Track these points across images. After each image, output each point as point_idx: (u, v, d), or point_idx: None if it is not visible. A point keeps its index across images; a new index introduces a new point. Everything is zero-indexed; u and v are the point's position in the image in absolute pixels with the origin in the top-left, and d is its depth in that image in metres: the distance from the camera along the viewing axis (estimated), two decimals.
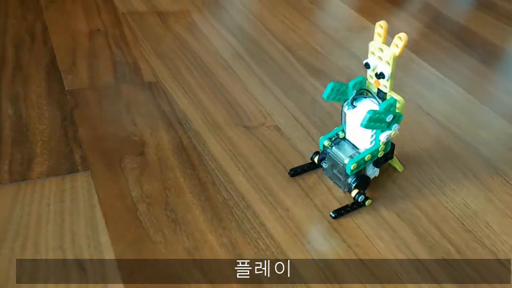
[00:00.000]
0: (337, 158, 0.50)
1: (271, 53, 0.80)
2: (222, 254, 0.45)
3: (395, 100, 0.48)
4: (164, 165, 0.54)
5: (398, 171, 0.57)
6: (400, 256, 0.47)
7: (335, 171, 0.51)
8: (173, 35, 0.82)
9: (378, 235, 0.49)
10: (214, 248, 0.45)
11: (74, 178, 0.51)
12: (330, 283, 0.43)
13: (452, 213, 0.53)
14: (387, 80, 0.47)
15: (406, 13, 1.01)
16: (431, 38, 0.92)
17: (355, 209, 0.51)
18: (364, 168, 0.51)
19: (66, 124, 0.59)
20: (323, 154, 0.52)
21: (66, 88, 0.65)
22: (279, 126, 0.63)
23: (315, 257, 0.46)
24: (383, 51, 0.46)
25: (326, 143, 0.51)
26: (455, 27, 0.99)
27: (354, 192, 0.50)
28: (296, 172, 0.55)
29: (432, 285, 0.44)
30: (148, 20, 0.85)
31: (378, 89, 0.49)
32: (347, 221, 0.50)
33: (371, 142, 0.50)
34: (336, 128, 0.53)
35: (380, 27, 0.46)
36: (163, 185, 0.52)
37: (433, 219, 0.51)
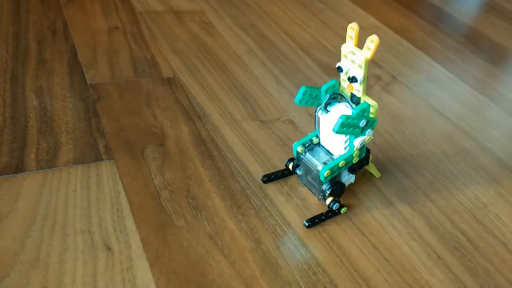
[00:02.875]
0: (311, 164, 0.49)
1: (284, 50, 0.82)
2: (242, 238, 0.47)
3: (369, 105, 0.46)
4: (184, 155, 0.56)
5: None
6: (412, 243, 0.49)
7: (309, 178, 0.50)
8: (189, 33, 0.84)
9: (391, 224, 0.50)
10: (234, 233, 0.47)
11: (99, 166, 0.53)
12: (346, 267, 0.45)
13: (463, 205, 0.54)
14: (360, 84, 0.46)
15: (414, 14, 1.02)
16: (440, 38, 0.93)
17: (330, 217, 0.50)
18: (339, 175, 0.50)
19: (90, 116, 0.61)
20: (297, 161, 0.51)
21: (88, 82, 0.67)
22: (293, 120, 0.65)
23: (330, 243, 0.48)
24: (355, 54, 0.44)
25: (299, 149, 0.50)
26: (464, 28, 1.00)
27: (328, 200, 0.49)
28: (269, 179, 0.53)
29: (443, 271, 0.46)
30: (165, 19, 0.88)
31: (352, 93, 0.48)
32: (361, 210, 0.52)
33: (345, 148, 0.48)
34: (310, 133, 0.51)
35: (352, 29, 0.44)
36: (184, 174, 0.54)
37: (445, 210, 0.53)
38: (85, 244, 0.44)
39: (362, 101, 0.47)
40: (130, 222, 0.47)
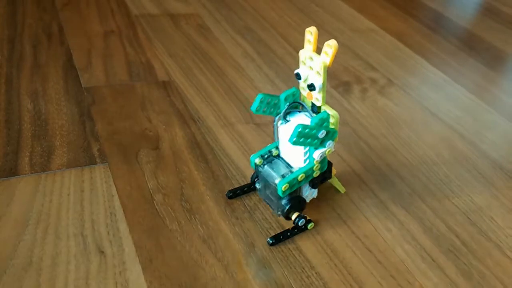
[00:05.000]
0: (269, 177, 0.46)
1: (280, 54, 0.82)
2: (235, 242, 0.47)
3: (329, 115, 0.43)
4: (178, 159, 0.56)
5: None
6: (407, 246, 0.48)
7: (268, 192, 0.47)
8: (185, 36, 0.84)
9: (385, 227, 0.50)
10: (227, 236, 0.47)
11: (92, 169, 0.53)
12: (339, 270, 0.45)
13: (458, 208, 0.54)
14: (319, 92, 0.42)
15: (411, 17, 1.03)
16: (436, 41, 0.94)
17: (296, 233, 0.47)
18: (300, 189, 0.47)
19: (84, 119, 0.61)
20: (256, 173, 0.48)
21: (83, 86, 0.67)
22: None
23: (324, 246, 0.47)
24: (313, 60, 0.41)
25: (257, 161, 0.47)
26: (460, 31, 1.01)
27: (294, 216, 0.46)
28: (234, 194, 0.51)
29: (437, 273, 0.46)
30: (161, 22, 0.88)
31: (312, 102, 0.44)
32: (356, 214, 0.52)
33: (305, 161, 0.45)
34: (269, 144, 0.49)
35: (310, 33, 0.41)
36: (177, 177, 0.53)
37: (440, 213, 0.53)
38: (78, 248, 0.44)
39: (322, 110, 0.44)
40: (123, 226, 0.47)
